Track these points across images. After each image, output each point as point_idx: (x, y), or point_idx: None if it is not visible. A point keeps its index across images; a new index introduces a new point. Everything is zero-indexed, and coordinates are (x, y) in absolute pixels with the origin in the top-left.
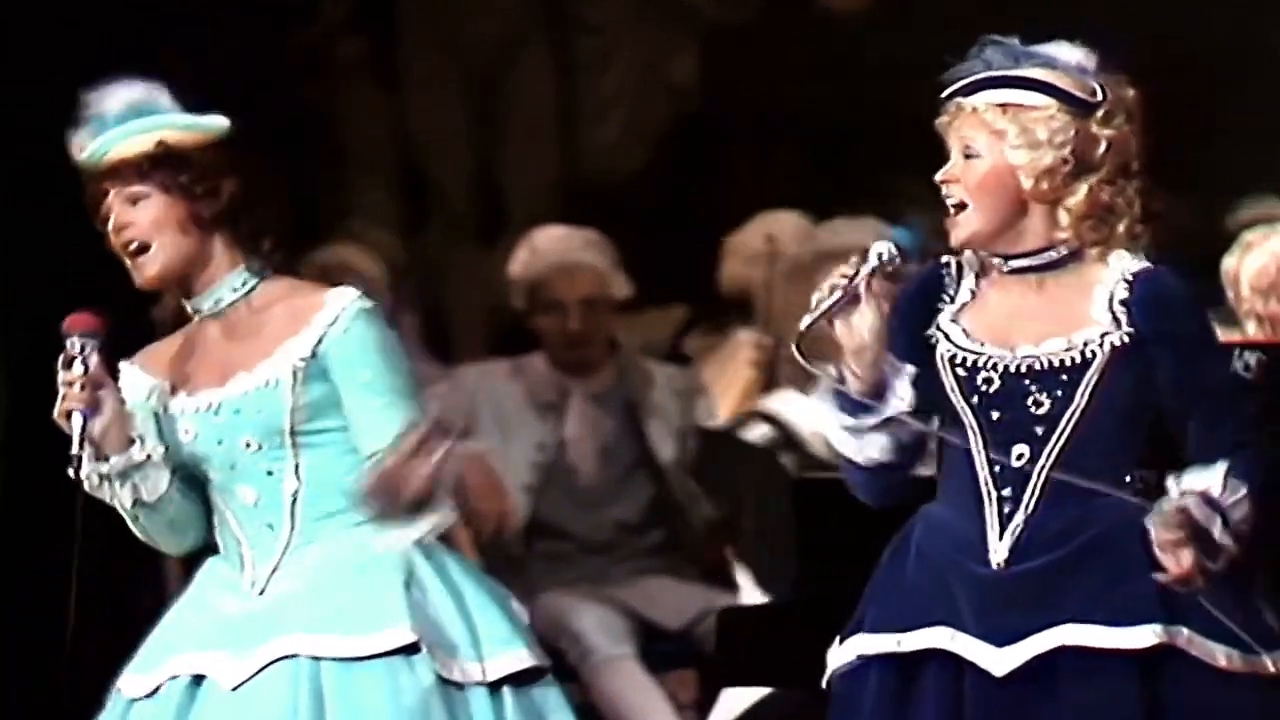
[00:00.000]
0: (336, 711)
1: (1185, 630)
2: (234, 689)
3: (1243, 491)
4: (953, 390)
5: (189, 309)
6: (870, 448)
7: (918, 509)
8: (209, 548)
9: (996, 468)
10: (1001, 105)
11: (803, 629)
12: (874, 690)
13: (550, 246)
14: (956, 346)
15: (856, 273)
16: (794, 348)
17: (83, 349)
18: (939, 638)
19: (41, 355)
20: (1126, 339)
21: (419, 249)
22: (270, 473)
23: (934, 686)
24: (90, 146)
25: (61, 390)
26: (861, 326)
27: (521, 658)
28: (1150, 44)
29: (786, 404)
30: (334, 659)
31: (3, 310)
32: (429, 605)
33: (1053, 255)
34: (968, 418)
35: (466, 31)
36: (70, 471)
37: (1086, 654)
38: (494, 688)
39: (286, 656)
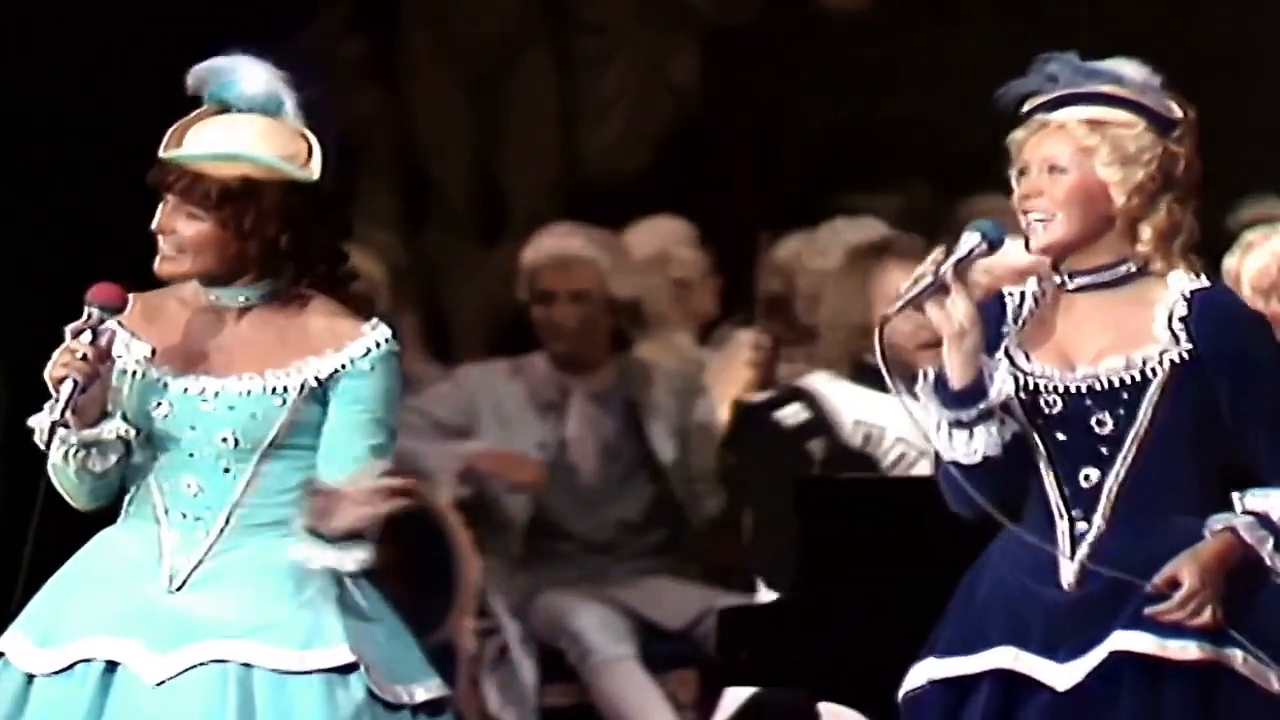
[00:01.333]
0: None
1: (1239, 652)
2: (156, 685)
3: None
4: (1019, 414)
5: (200, 289)
6: (979, 442)
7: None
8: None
9: (1066, 490)
10: (1089, 121)
11: (803, 629)
12: (932, 711)
13: (551, 242)
14: (1019, 370)
15: (944, 261)
16: (876, 334)
17: (100, 321)
18: (1003, 658)
19: (41, 355)
20: (1186, 355)
21: (419, 249)
22: (227, 470)
23: (983, 705)
24: (185, 147)
25: (63, 354)
26: (956, 312)
27: (439, 686)
28: (1150, 45)
29: (824, 384)
30: (269, 669)
31: (3, 310)
32: (363, 624)
33: (1120, 271)
34: (1035, 440)
35: (467, 31)
36: (40, 430)
37: (1144, 667)
38: (414, 712)
39: (216, 660)
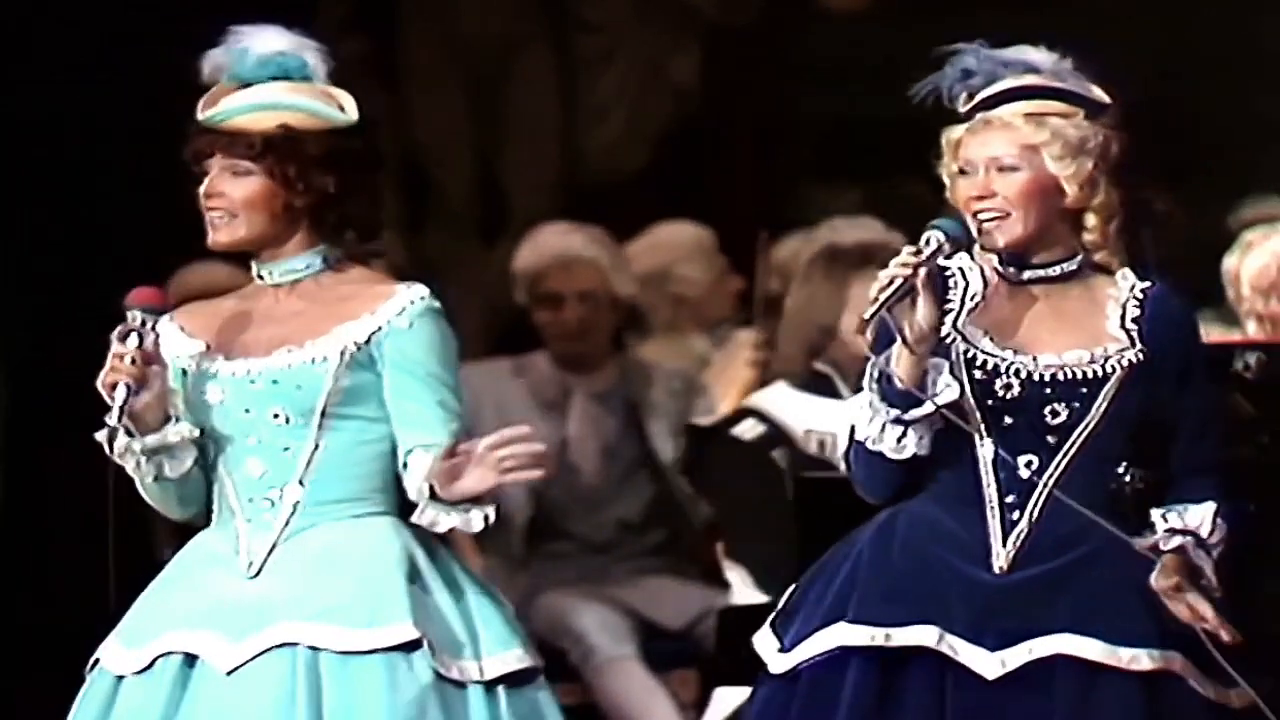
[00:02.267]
0: (334, 703)
1: (1180, 656)
2: (229, 672)
3: (1224, 530)
4: (967, 392)
5: (253, 271)
6: (911, 442)
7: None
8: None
9: (1002, 474)
10: (1030, 115)
11: None
12: (854, 683)
13: (552, 241)
14: (977, 349)
15: (913, 263)
16: (860, 339)
17: (142, 323)
18: (927, 636)
19: (41, 355)
20: (1140, 356)
21: (419, 249)
22: (287, 449)
23: (917, 685)
24: (219, 106)
25: (111, 360)
26: (921, 318)
27: (519, 657)
28: (1150, 45)
29: (776, 399)
30: (333, 651)
31: (3, 310)
32: (430, 601)
33: (1070, 266)
34: (978, 423)
35: (466, 31)
36: (104, 441)
37: (1083, 665)
38: (489, 686)
39: (285, 644)
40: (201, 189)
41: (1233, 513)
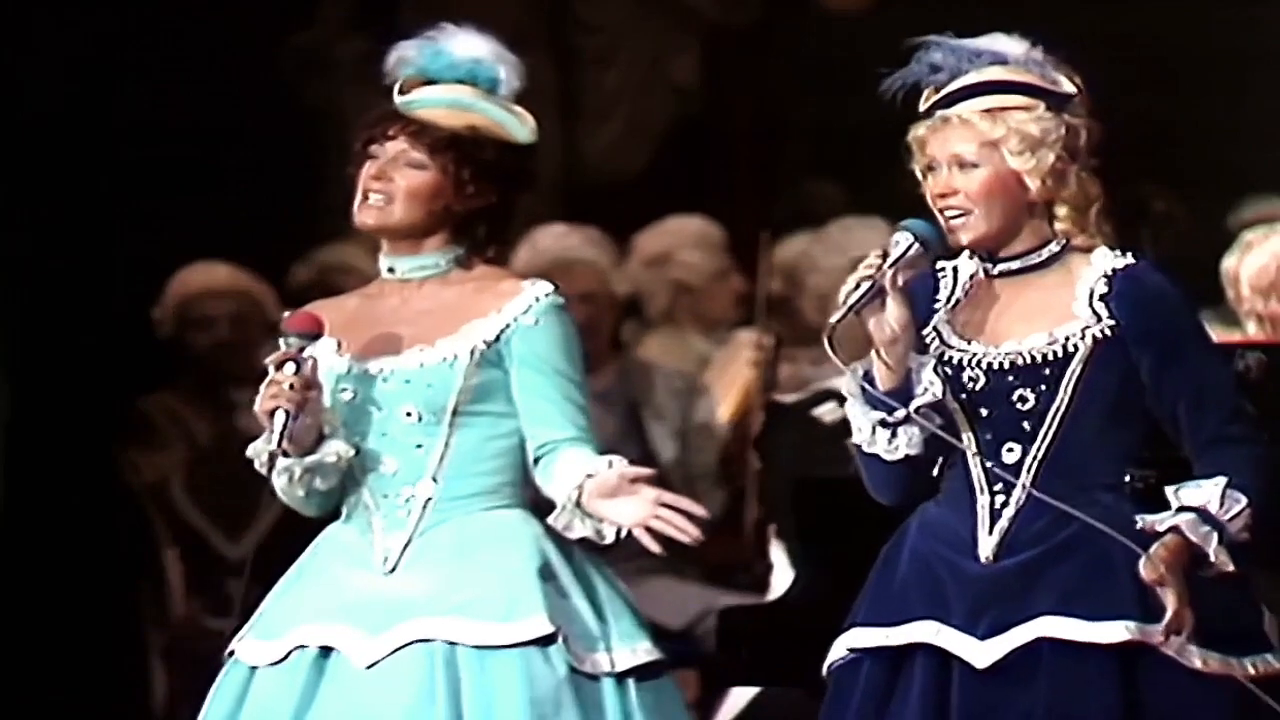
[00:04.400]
0: (473, 697)
1: (1160, 630)
2: (368, 667)
3: (1243, 503)
4: (946, 396)
5: (381, 262)
6: (903, 442)
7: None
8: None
9: (988, 464)
10: (988, 111)
11: (803, 629)
12: (863, 682)
13: (549, 244)
14: (944, 344)
15: (881, 266)
16: (825, 342)
17: (300, 350)
18: (925, 632)
19: (41, 355)
20: (1108, 332)
21: None
22: (419, 445)
23: (919, 679)
24: (411, 94)
25: (270, 387)
26: (891, 320)
27: (648, 650)
28: (1150, 45)
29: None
30: (470, 645)
31: (3, 310)
32: (562, 595)
33: (1044, 254)
34: (958, 415)
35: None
36: (263, 465)
37: (1066, 647)
38: (620, 679)
39: (422, 640)
40: (367, 169)
41: (1249, 475)
